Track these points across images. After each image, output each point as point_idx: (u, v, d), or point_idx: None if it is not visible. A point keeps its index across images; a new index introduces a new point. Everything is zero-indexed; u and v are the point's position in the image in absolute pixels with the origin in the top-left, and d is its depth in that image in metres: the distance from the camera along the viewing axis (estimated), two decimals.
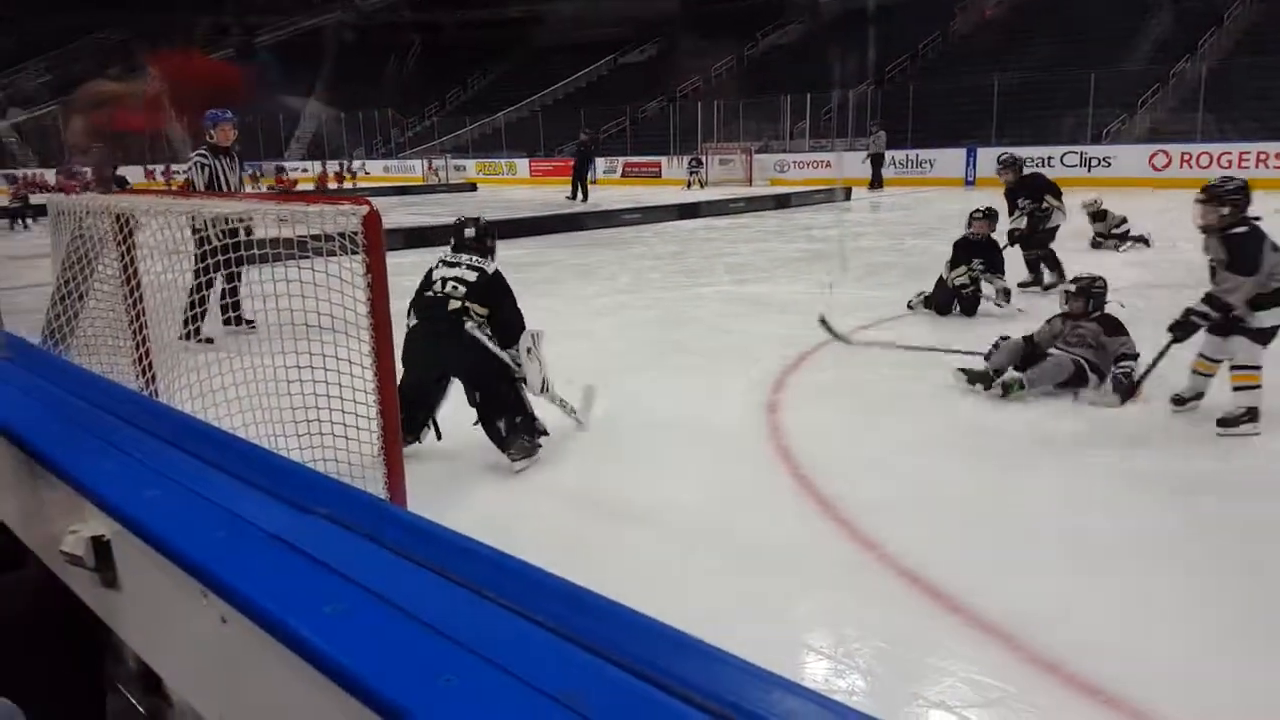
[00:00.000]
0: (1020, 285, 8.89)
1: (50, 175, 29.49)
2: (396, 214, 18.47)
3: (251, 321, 6.17)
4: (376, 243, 2.79)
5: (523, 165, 34.75)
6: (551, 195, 24.36)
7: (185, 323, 5.30)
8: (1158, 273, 9.68)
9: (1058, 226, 9.24)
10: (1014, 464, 4.45)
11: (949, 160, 25.75)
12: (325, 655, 0.78)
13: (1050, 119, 25.29)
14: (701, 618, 2.89)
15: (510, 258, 8.94)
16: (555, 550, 3.55)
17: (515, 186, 32.30)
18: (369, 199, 2.91)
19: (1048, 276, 9.16)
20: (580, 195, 22.32)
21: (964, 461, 4.46)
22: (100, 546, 1.16)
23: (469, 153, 37.63)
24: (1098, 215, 12.13)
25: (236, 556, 0.96)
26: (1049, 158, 24.18)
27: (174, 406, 3.07)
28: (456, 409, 4.46)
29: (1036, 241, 9.17)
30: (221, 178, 7.05)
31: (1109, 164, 23.45)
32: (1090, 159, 23.77)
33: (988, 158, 25.19)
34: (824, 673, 2.80)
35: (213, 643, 0.95)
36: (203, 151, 7.10)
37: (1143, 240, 11.85)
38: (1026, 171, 9.53)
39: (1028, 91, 26.52)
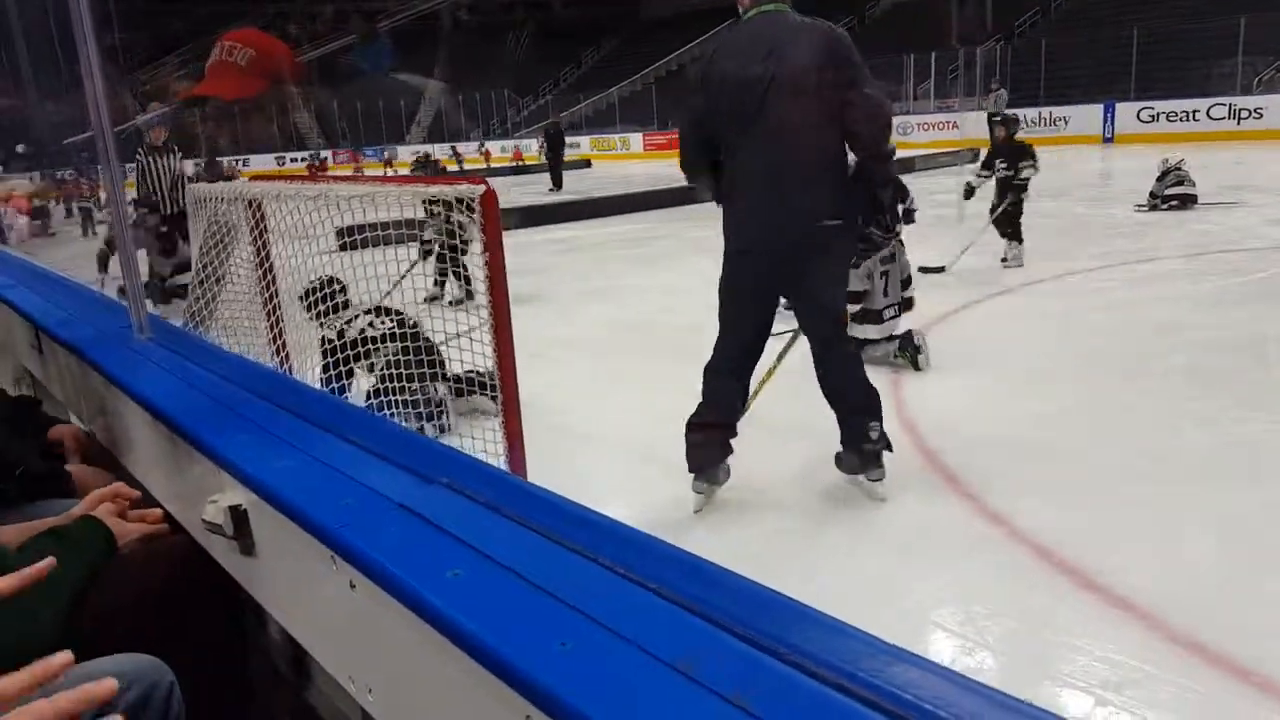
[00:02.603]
0: None
1: (188, 165, 31.13)
2: (512, 193, 18.77)
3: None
4: (494, 221, 2.83)
5: (636, 140, 34.76)
6: (662, 170, 24.28)
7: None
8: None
9: None
10: (1153, 435, 4.23)
11: (1085, 117, 24.49)
12: (447, 618, 0.80)
13: (1196, 69, 23.71)
14: (827, 594, 2.85)
15: (629, 233, 9.02)
16: (673, 525, 3.57)
17: (629, 161, 32.36)
18: (485, 179, 2.96)
19: None
20: (556, 183, 21.47)
21: (1097, 434, 4.26)
22: (238, 515, 1.22)
23: (582, 129, 37.85)
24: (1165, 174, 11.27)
25: (364, 524, 1.00)
26: (1194, 111, 22.73)
27: (305, 379, 3.21)
28: (572, 384, 4.49)
29: None
30: (153, 174, 8.05)
31: (1260, 115, 21.83)
32: (1240, 111, 22.17)
33: (1128, 113, 23.87)
34: (952, 651, 2.73)
35: (342, 606, 0.99)
36: (140, 150, 8.02)
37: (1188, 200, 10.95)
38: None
39: (1170, 40, 24.87)
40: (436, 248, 8.22)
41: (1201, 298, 6.77)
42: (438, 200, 3.24)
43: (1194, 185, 10.99)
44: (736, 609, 0.75)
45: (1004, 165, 8.40)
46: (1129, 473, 3.79)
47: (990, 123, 8.84)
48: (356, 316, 4.34)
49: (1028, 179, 8.28)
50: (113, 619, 1.40)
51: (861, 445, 3.55)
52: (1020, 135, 8.66)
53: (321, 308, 4.02)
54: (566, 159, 32.46)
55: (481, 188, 2.84)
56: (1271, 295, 6.75)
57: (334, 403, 1.50)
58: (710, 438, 3.62)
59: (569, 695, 0.67)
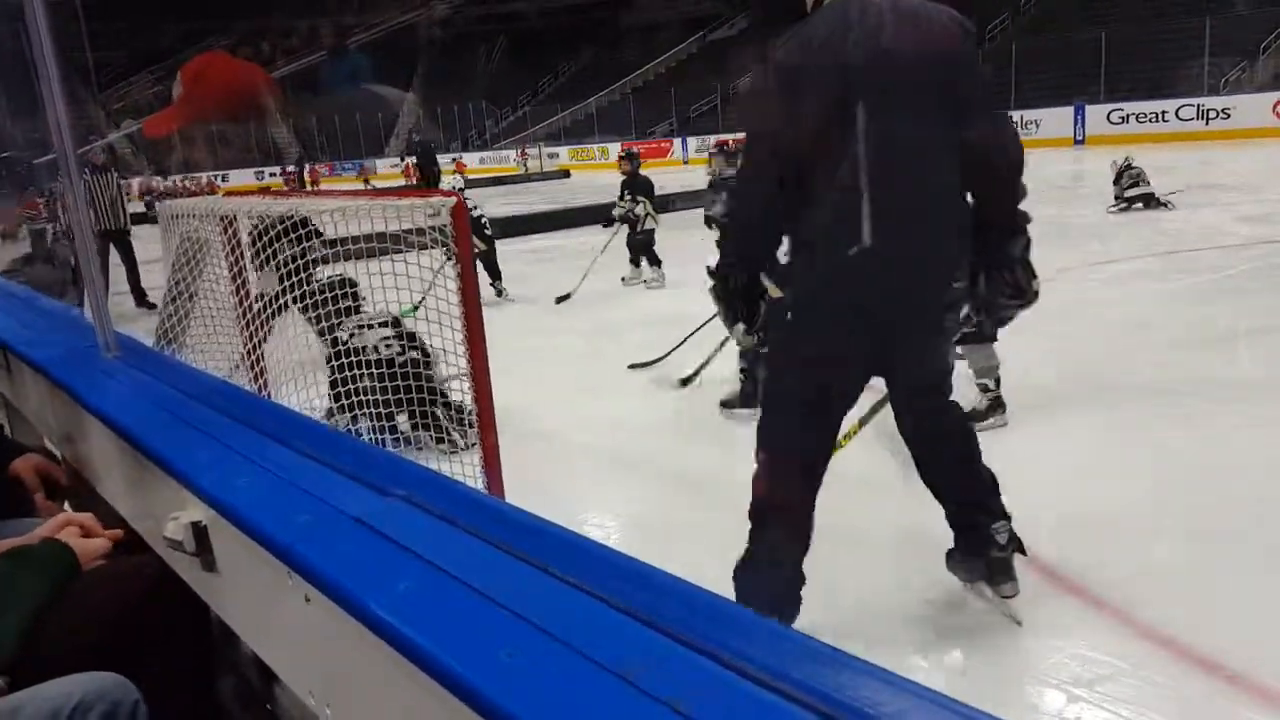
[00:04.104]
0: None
1: (164, 183, 31.07)
2: (491, 205, 18.75)
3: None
4: (464, 234, 2.85)
5: (614, 149, 34.78)
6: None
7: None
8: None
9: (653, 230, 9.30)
10: (1123, 434, 4.27)
11: (1056, 120, 24.73)
12: (396, 631, 0.80)
13: (1164, 71, 24.04)
14: (805, 599, 2.85)
15: (600, 244, 9.08)
16: (644, 535, 3.58)
17: (608, 172, 32.40)
18: (455, 191, 2.97)
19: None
20: None
21: (1065, 434, 4.31)
22: (199, 532, 1.22)
23: (561, 140, 37.91)
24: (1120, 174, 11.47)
25: (318, 539, 1.00)
26: (1163, 112, 23.00)
27: (281, 400, 3.20)
28: (554, 396, 4.50)
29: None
30: (94, 192, 9.01)
31: (1228, 115, 22.15)
32: (1208, 111, 22.48)
33: (1098, 115, 24.14)
34: (924, 650, 2.75)
35: (299, 621, 0.99)
36: (84, 170, 8.58)
37: (1160, 203, 11.10)
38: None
39: (1138, 43, 25.21)
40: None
41: (1172, 296, 6.86)
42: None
43: (1149, 184, 11.15)
44: (681, 615, 0.76)
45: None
46: (1098, 471, 3.83)
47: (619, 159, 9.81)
48: (370, 328, 4.33)
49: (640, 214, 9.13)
50: (78, 638, 1.41)
51: (987, 551, 2.80)
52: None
53: (329, 309, 4.00)
54: (547, 169, 32.45)
55: (452, 200, 2.86)
56: (1240, 291, 6.84)
57: (294, 418, 1.50)
58: (791, 584, 2.66)
59: (512, 705, 0.68)
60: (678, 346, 5.90)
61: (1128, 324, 5.07)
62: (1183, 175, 13.01)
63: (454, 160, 32.27)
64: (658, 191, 9.37)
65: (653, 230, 9.12)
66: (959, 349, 4.28)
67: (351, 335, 4.23)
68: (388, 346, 4.23)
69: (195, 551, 1.23)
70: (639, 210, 9.04)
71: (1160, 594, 2.84)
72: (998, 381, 4.42)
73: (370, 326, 4.34)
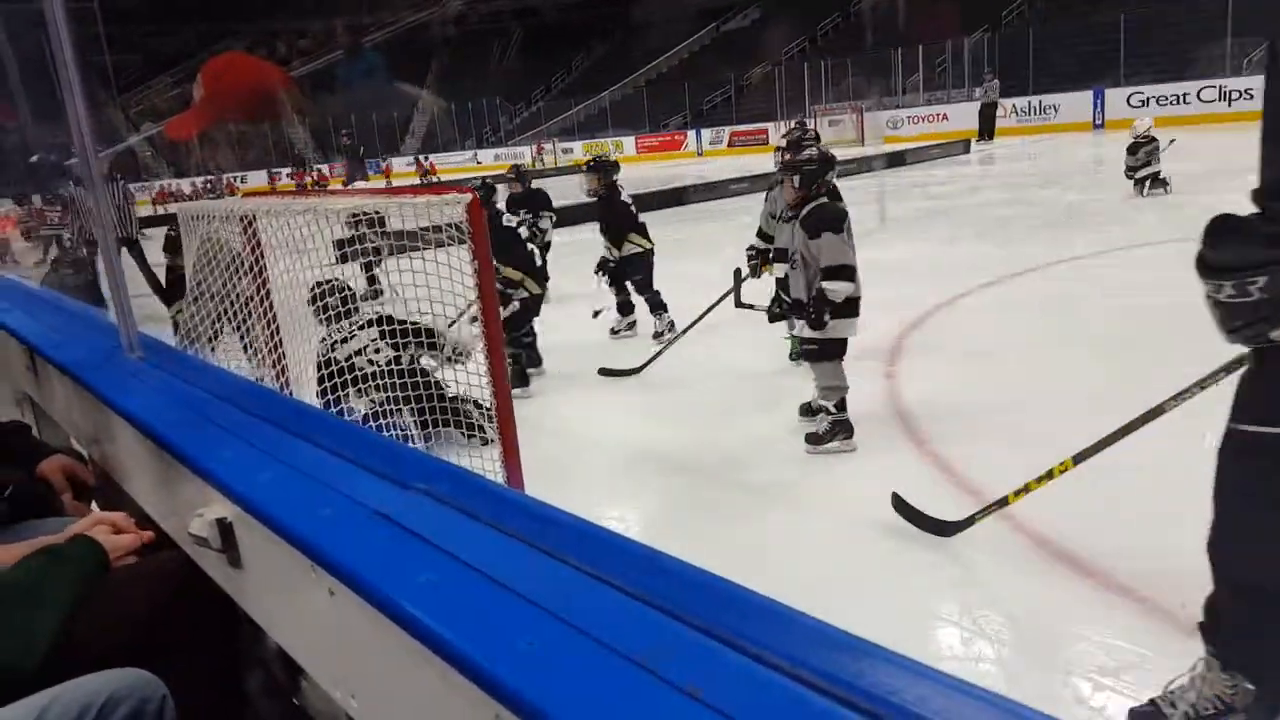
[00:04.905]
0: None
1: (185, 185, 31.41)
2: (500, 202, 18.78)
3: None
4: (480, 229, 2.86)
5: (629, 143, 34.81)
6: (654, 171, 24.34)
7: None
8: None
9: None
10: (1151, 423, 4.23)
11: (1074, 104, 24.52)
12: (418, 622, 0.82)
13: (1184, 52, 23.74)
14: (824, 585, 2.87)
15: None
16: (669, 523, 3.59)
17: (623, 165, 32.42)
18: (472, 188, 2.98)
19: None
20: None
21: (1093, 423, 4.27)
22: (223, 528, 1.24)
23: (575, 134, 37.89)
24: (1132, 148, 11.21)
25: (341, 533, 1.02)
26: (1184, 94, 22.74)
27: (303, 397, 3.23)
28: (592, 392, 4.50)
29: None
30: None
31: (1252, 96, 21.84)
32: (1230, 92, 22.20)
33: (1117, 99, 23.90)
34: (950, 640, 2.76)
35: (323, 614, 1.01)
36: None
37: (1162, 183, 10.96)
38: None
39: (1157, 24, 24.89)
40: None
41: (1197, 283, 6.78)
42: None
43: (1159, 161, 11.01)
44: (695, 601, 0.76)
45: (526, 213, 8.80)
46: (1127, 461, 3.79)
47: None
48: (352, 337, 4.31)
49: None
50: (108, 635, 1.43)
51: None
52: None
53: (324, 302, 3.97)
54: (560, 165, 32.46)
55: (468, 196, 2.88)
56: None
57: (317, 414, 1.52)
58: None
59: (532, 694, 0.69)
60: (653, 359, 5.88)
61: (1155, 309, 5.02)
62: (1206, 158, 12.88)
63: (427, 159, 32.35)
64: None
65: (549, 245, 9.07)
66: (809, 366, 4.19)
67: (334, 347, 4.15)
68: (377, 350, 4.18)
69: (221, 548, 1.25)
70: (543, 224, 8.99)
71: (1186, 581, 2.82)
72: (842, 404, 4.18)
73: (351, 337, 4.25)
